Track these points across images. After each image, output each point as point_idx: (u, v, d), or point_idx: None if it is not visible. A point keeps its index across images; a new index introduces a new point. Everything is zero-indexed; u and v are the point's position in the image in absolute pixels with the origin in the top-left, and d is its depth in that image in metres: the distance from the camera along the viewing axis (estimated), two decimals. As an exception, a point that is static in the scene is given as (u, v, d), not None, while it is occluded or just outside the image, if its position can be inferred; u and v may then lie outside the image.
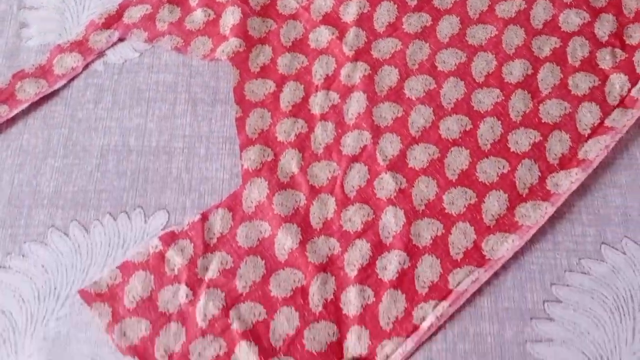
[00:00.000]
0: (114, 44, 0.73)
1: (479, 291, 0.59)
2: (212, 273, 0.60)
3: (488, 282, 0.60)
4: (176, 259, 0.61)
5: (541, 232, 0.62)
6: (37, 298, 0.60)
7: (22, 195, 0.66)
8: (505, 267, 0.60)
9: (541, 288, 0.60)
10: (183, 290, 0.59)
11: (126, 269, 0.61)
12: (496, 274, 0.60)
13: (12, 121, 0.69)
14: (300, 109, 0.68)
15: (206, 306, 0.59)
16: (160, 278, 0.60)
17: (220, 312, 0.58)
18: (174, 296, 0.59)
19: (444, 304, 0.58)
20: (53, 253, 0.62)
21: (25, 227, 0.64)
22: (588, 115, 0.66)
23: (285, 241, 0.62)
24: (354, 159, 0.65)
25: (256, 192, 0.64)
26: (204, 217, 0.63)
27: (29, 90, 0.70)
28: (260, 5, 0.74)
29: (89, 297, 0.59)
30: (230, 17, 0.72)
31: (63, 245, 0.63)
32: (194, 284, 0.60)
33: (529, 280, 0.60)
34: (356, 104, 0.68)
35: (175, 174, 0.66)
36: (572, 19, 0.70)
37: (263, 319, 0.58)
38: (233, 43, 0.71)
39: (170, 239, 0.62)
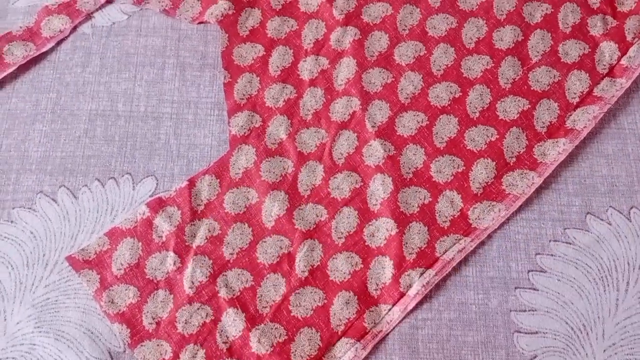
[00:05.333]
0: (102, 6, 0.67)
1: (464, 260, 0.57)
2: (199, 240, 0.57)
3: (473, 252, 0.57)
4: (164, 226, 0.57)
5: (527, 202, 0.59)
6: (25, 265, 0.57)
7: (10, 160, 0.61)
8: (490, 236, 0.58)
9: (526, 258, 0.57)
10: (171, 257, 0.56)
11: (114, 235, 0.57)
12: (482, 243, 0.57)
13: (0, 85, 0.64)
14: (289, 74, 0.63)
15: (193, 273, 0.55)
16: (148, 245, 0.57)
17: (207, 279, 0.55)
18: (162, 263, 0.56)
19: (431, 271, 0.55)
20: (41, 219, 0.59)
21: (13, 192, 0.60)
22: (577, 83, 0.61)
23: (272, 208, 0.58)
24: (343, 125, 0.61)
25: (244, 159, 0.59)
26: (191, 183, 0.59)
27: (16, 53, 0.64)
28: None
29: (77, 263, 0.56)
30: None
31: (51, 212, 0.59)
32: (182, 251, 0.56)
33: (514, 249, 0.57)
34: (346, 69, 0.63)
35: (164, 140, 0.62)
36: None
37: (250, 286, 0.55)
38: (222, 6, 0.65)
39: (157, 205, 0.58)
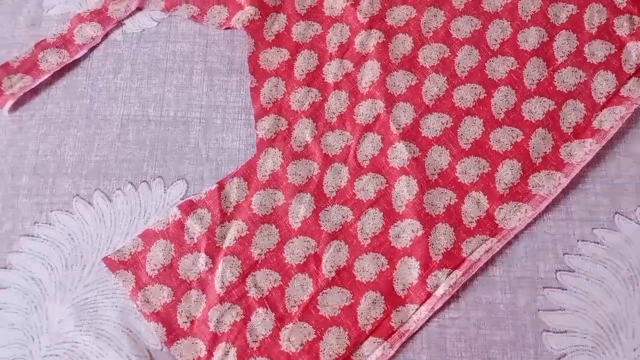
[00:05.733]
0: (132, 13, 0.69)
1: (492, 260, 0.57)
2: (229, 241, 0.58)
3: (500, 252, 0.57)
4: (195, 228, 0.58)
5: (554, 202, 0.58)
6: (65, 266, 0.59)
7: (46, 164, 0.63)
8: (517, 236, 0.58)
9: (554, 257, 0.56)
10: (202, 258, 0.57)
11: (147, 237, 0.58)
12: (509, 243, 0.57)
13: (35, 91, 0.66)
14: (314, 78, 0.64)
15: (224, 273, 0.56)
16: (180, 246, 0.58)
17: (237, 279, 0.56)
18: (194, 264, 0.57)
19: (457, 272, 0.56)
20: (78, 222, 0.60)
21: (51, 196, 0.62)
22: (604, 83, 0.61)
23: (299, 210, 0.59)
24: (368, 128, 0.62)
25: (270, 162, 0.60)
26: (221, 186, 0.60)
27: (51, 60, 0.67)
28: None
29: (113, 264, 0.57)
30: None
31: (88, 214, 0.61)
32: (212, 252, 0.57)
33: (541, 249, 0.57)
34: (370, 72, 0.64)
35: (193, 144, 0.63)
36: None
37: (278, 286, 0.56)
38: (248, 11, 0.66)
39: (189, 207, 0.59)
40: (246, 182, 0.60)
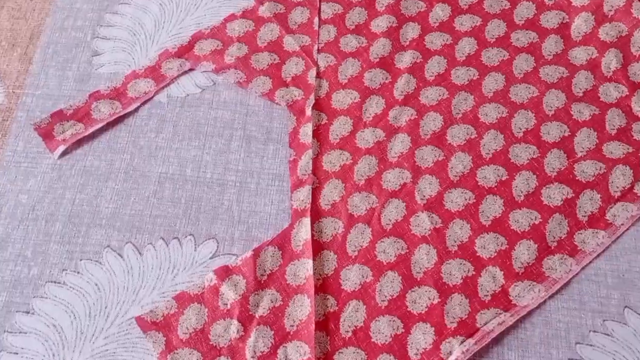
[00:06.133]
0: (184, 72, 0.74)
1: (507, 344, 0.58)
2: (262, 310, 0.59)
3: (516, 337, 0.58)
4: (229, 294, 0.59)
5: (568, 291, 0.60)
6: (88, 315, 0.59)
7: (81, 214, 0.65)
8: (533, 322, 0.59)
9: (566, 346, 0.58)
10: (234, 325, 0.58)
11: (182, 300, 0.59)
12: (524, 329, 0.58)
13: (78, 143, 0.69)
14: (347, 142, 0.68)
15: (256, 343, 0.57)
16: (214, 311, 0.59)
17: (269, 349, 0.57)
18: (226, 330, 0.58)
19: (470, 340, 0.56)
20: (107, 272, 0.62)
21: (82, 245, 0.63)
22: (621, 177, 0.64)
23: (322, 268, 0.60)
24: (394, 194, 0.64)
25: (304, 231, 0.63)
26: (256, 254, 0.61)
27: (103, 110, 0.70)
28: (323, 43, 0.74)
29: (145, 324, 0.58)
30: (293, 67, 0.73)
31: (117, 266, 0.62)
32: (245, 320, 0.58)
33: (555, 337, 0.58)
34: (400, 144, 0.67)
35: (227, 206, 0.66)
36: (610, 92, 0.69)
37: (307, 358, 0.56)
38: (293, 92, 0.71)
39: (224, 273, 0.60)
40: (280, 252, 0.62)
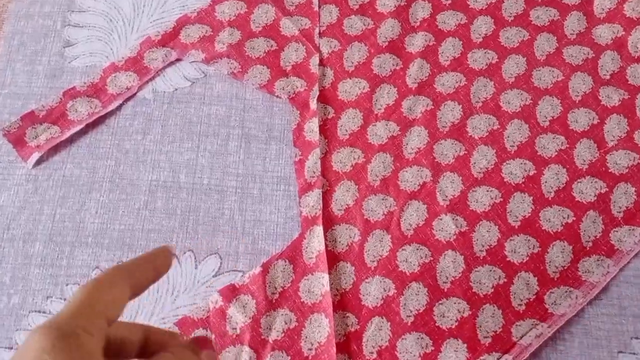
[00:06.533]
0: (171, 63, 0.65)
1: (546, 357, 0.53)
2: (276, 334, 0.52)
3: (554, 348, 0.53)
4: (238, 317, 0.53)
5: (607, 295, 0.55)
6: None
7: (64, 231, 0.57)
8: (572, 332, 0.54)
9: (608, 355, 0.53)
10: (246, 352, 0.52)
11: (184, 325, 0.53)
12: (563, 339, 0.54)
13: (55, 149, 0.61)
14: (357, 138, 0.61)
15: None
16: (222, 337, 0.52)
17: None
18: (237, 359, 0.51)
19: (508, 357, 0.51)
20: None
21: (67, 267, 0.56)
22: (656, 170, 0.59)
23: (340, 282, 0.54)
24: (413, 195, 0.58)
25: (316, 242, 0.56)
26: (265, 270, 0.55)
27: (81, 110, 0.62)
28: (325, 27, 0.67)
29: None
30: (293, 54, 0.65)
31: None
32: (258, 346, 0.52)
33: (595, 346, 0.54)
34: (417, 138, 0.61)
35: (228, 216, 0.58)
36: (639, 74, 0.63)
37: None
38: (294, 83, 0.63)
39: (231, 293, 0.54)
40: (292, 265, 0.55)
